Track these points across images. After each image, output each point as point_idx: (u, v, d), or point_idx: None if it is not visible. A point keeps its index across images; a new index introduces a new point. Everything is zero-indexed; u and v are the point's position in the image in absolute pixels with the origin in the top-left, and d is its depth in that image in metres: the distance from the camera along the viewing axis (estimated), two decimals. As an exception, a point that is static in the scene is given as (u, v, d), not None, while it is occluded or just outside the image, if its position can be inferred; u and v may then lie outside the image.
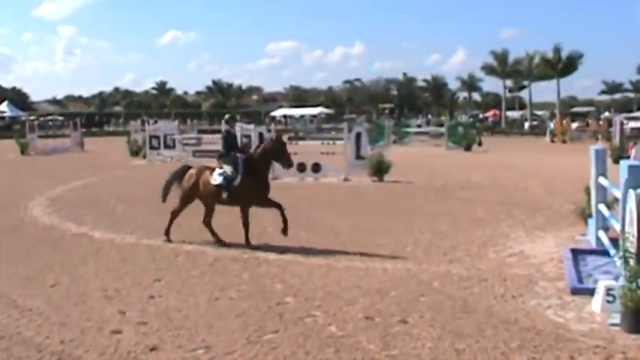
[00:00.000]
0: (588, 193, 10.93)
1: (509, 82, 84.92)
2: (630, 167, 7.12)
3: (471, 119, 71.18)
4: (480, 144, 41.13)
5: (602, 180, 9.87)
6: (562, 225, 12.49)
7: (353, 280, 8.73)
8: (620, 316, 6.67)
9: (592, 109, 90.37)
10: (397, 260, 9.83)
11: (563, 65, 72.81)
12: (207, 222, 11.30)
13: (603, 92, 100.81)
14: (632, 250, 6.72)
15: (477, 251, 10.45)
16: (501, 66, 78.97)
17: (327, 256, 10.18)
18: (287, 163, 10.92)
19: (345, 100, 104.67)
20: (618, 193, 7.68)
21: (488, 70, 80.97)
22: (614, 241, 8.17)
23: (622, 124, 33.81)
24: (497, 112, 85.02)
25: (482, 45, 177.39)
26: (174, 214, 11.35)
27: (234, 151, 11.11)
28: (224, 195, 10.83)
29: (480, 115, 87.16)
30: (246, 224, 10.89)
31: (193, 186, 11.12)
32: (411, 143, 44.04)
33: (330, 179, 21.49)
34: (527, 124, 73.20)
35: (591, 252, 9.86)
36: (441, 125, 47.84)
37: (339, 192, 18.71)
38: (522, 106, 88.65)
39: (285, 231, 10.66)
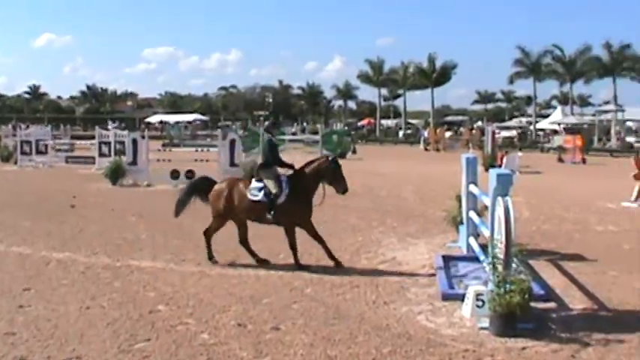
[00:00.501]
0: (459, 201, 11.32)
1: (384, 91, 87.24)
2: (499, 175, 7.42)
3: (346, 127, 72.52)
4: (354, 152, 41.86)
5: (472, 188, 10.24)
6: (434, 232, 12.90)
7: (226, 287, 8.68)
8: (489, 320, 6.93)
9: (465, 118, 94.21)
10: (270, 267, 9.82)
11: (437, 75, 75.67)
12: (243, 241, 10.36)
13: (476, 102, 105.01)
14: (500, 256, 6.99)
15: (349, 258, 10.59)
16: (377, 75, 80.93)
17: (200, 263, 10.05)
18: (342, 187, 10.09)
19: (221, 106, 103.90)
20: (488, 201, 7.98)
21: (364, 78, 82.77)
22: (484, 248, 8.49)
23: (494, 133, 35.44)
24: (372, 120, 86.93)
25: (359, 53, 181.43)
26: (209, 234, 10.31)
27: (278, 164, 10.16)
28: (267, 214, 9.89)
29: (357, 124, 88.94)
30: (293, 246, 10.02)
31: (227, 202, 10.11)
32: (286, 151, 44.17)
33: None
34: (401, 133, 75.44)
35: (462, 258, 10.22)
36: (316, 133, 48.39)
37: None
38: (397, 115, 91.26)
39: (337, 264, 9.98)
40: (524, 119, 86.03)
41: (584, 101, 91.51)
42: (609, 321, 7.36)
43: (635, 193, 18.28)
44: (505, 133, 71.31)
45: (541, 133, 71.09)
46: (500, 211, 7.13)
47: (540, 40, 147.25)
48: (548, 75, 72.18)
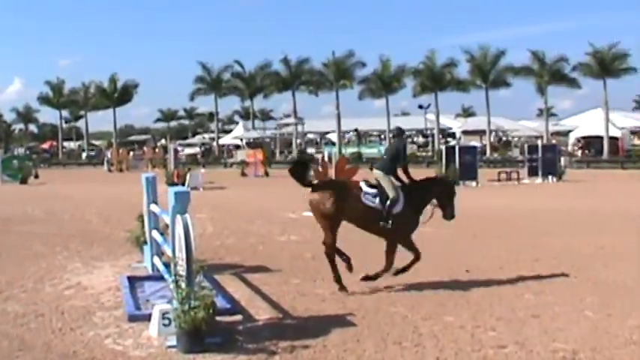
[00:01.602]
0: (142, 221, 11.15)
1: (66, 113, 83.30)
2: (177, 193, 7.43)
3: (27, 151, 68.00)
4: (36, 176, 39.47)
5: (153, 207, 10.16)
6: (119, 253, 12.54)
7: None
8: (176, 338, 6.88)
9: (148, 136, 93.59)
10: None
11: (118, 94, 74.20)
12: (335, 252, 9.31)
13: (159, 120, 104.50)
14: (183, 273, 7.01)
15: (33, 286, 9.90)
16: (57, 96, 77.19)
17: None
18: (451, 212, 9.77)
19: None
20: (168, 219, 7.96)
21: (44, 100, 78.46)
22: (168, 266, 8.45)
23: (176, 151, 35.62)
24: (55, 143, 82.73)
25: (41, 74, 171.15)
26: (331, 253, 9.26)
27: (394, 172, 9.50)
28: (383, 223, 9.20)
29: (39, 147, 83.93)
30: (391, 257, 9.38)
31: (338, 206, 9.11)
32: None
33: None
34: (84, 154, 72.72)
35: (148, 278, 10.04)
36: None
37: None
38: (80, 136, 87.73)
39: (404, 270, 9.54)
40: (207, 135, 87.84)
41: (265, 115, 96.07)
42: (295, 328, 7.64)
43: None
44: (189, 150, 72.18)
45: (224, 148, 73.13)
46: (179, 229, 7.15)
47: (222, 57, 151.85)
48: (230, 90, 74.44)
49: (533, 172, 35.69)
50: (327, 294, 9.33)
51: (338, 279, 9.34)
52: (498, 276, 10.44)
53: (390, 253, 9.56)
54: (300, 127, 70.75)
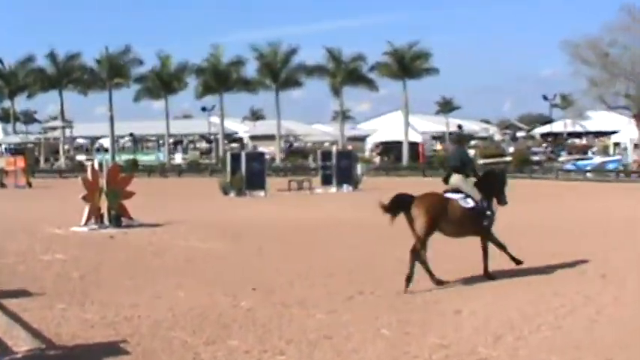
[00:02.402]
0: None
1: None
2: None
3: None
4: None
5: None
6: None
7: None
8: None
9: None
10: None
11: None
12: (420, 255, 11.22)
13: None
14: None
15: None
16: None
17: None
18: (505, 198, 12.07)
19: None
20: None
21: None
22: None
23: None
24: None
25: None
26: (418, 254, 11.18)
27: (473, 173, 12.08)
28: (486, 222, 11.66)
29: None
30: (502, 246, 11.94)
31: (440, 212, 11.28)
32: None
33: None
34: None
35: None
36: None
37: None
38: None
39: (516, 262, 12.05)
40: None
41: (29, 117, 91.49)
42: (59, 359, 7.55)
43: (84, 217, 18.93)
44: None
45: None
46: None
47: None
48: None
49: (327, 181, 37.12)
50: (97, 319, 9.30)
51: (432, 275, 11.27)
52: (288, 294, 10.90)
53: (488, 247, 11.84)
54: (68, 131, 68.07)
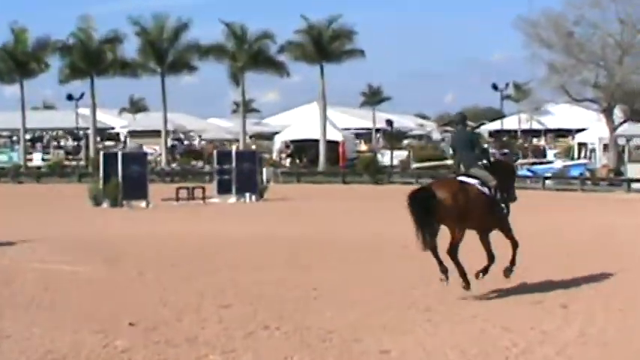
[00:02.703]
0: None
1: None
2: None
3: None
4: None
5: None
6: None
7: None
8: None
9: None
10: None
11: None
12: (453, 252, 12.58)
13: None
14: None
15: None
16: None
17: None
18: (514, 194, 13.64)
19: None
20: None
21: None
22: None
23: None
24: None
25: None
26: (455, 252, 12.54)
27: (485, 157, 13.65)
28: (504, 208, 13.18)
29: None
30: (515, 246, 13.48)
31: (465, 204, 12.52)
32: None
33: None
34: None
35: None
36: None
37: None
38: None
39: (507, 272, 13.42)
40: None
41: None
42: None
43: None
44: None
45: None
46: None
47: None
48: None
49: (224, 189, 36.97)
50: None
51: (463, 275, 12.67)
52: (174, 330, 10.81)
53: (511, 238, 13.43)
54: None
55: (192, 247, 19.72)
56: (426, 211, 12.30)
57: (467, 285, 12.60)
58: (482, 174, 13.03)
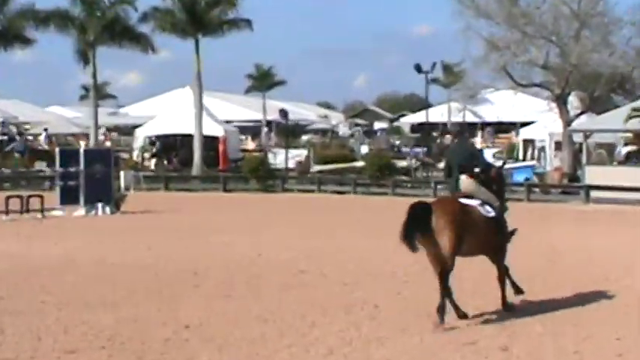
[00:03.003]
0: None
1: None
2: None
3: None
4: None
5: None
6: None
7: None
8: None
9: None
10: None
11: None
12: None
13: None
14: None
15: None
16: None
17: None
18: (505, 204, 14.86)
19: None
20: None
21: None
22: None
23: None
24: None
25: None
26: (446, 282, 13.64)
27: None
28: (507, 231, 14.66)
29: None
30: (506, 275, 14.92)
31: (463, 226, 13.60)
32: None
33: None
34: None
35: None
36: None
37: None
38: None
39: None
40: None
41: None
42: None
43: None
44: None
45: None
46: None
47: None
48: None
49: (70, 198, 36.47)
50: None
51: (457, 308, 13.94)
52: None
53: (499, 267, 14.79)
54: None
55: (22, 275, 19.53)
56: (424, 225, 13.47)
57: (440, 318, 13.37)
58: (481, 193, 14.37)
